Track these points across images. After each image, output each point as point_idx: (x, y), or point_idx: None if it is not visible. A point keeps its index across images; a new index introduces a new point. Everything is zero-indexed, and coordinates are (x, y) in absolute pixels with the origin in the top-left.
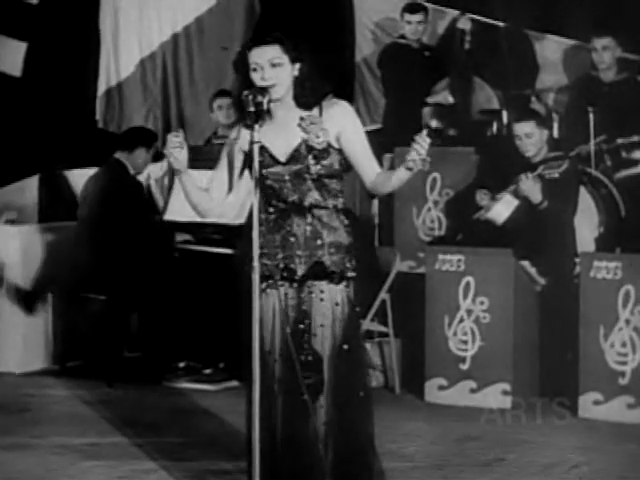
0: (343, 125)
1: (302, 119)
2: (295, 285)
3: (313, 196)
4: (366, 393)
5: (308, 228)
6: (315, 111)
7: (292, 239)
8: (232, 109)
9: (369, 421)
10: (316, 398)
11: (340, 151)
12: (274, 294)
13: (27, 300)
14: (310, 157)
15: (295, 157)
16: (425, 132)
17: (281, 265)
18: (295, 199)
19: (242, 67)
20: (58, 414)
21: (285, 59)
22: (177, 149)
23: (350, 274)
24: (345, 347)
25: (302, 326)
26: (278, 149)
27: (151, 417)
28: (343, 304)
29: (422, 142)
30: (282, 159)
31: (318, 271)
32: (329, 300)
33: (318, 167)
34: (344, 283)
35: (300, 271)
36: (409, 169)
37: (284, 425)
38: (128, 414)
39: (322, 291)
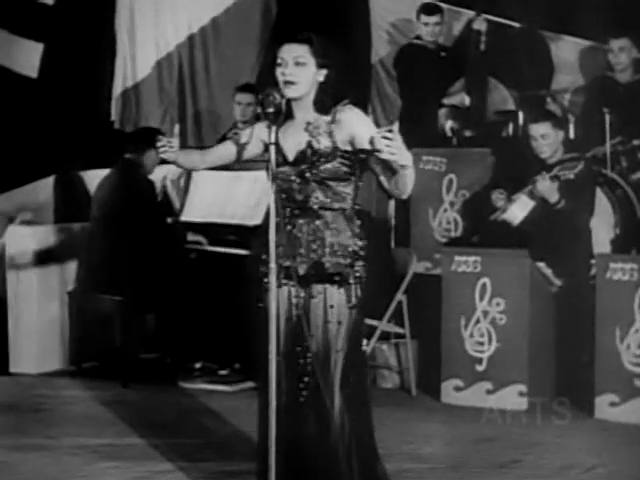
0: (357, 130)
1: (308, 123)
2: (297, 285)
3: (318, 197)
4: (363, 396)
5: (311, 228)
6: (328, 116)
7: (295, 239)
8: (250, 107)
9: (367, 423)
10: (314, 399)
11: (351, 155)
12: (279, 292)
13: None
14: (313, 159)
15: (300, 158)
16: (395, 127)
17: (285, 264)
18: (301, 199)
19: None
20: (74, 415)
21: (310, 60)
22: (166, 147)
23: (352, 277)
24: (339, 350)
25: (301, 326)
26: (289, 149)
27: (167, 418)
28: (339, 307)
29: (388, 140)
30: (290, 159)
31: (318, 272)
32: (323, 302)
33: (319, 170)
34: (344, 286)
35: (301, 271)
36: (402, 167)
37: (285, 423)
38: (144, 415)
39: (319, 292)
